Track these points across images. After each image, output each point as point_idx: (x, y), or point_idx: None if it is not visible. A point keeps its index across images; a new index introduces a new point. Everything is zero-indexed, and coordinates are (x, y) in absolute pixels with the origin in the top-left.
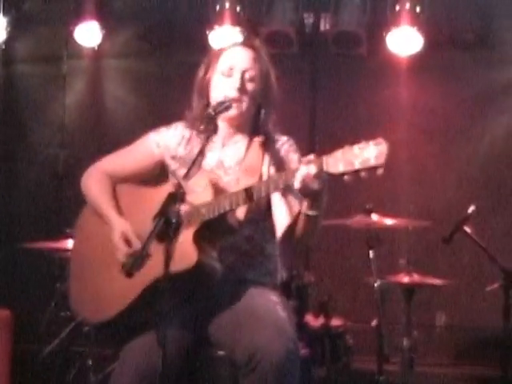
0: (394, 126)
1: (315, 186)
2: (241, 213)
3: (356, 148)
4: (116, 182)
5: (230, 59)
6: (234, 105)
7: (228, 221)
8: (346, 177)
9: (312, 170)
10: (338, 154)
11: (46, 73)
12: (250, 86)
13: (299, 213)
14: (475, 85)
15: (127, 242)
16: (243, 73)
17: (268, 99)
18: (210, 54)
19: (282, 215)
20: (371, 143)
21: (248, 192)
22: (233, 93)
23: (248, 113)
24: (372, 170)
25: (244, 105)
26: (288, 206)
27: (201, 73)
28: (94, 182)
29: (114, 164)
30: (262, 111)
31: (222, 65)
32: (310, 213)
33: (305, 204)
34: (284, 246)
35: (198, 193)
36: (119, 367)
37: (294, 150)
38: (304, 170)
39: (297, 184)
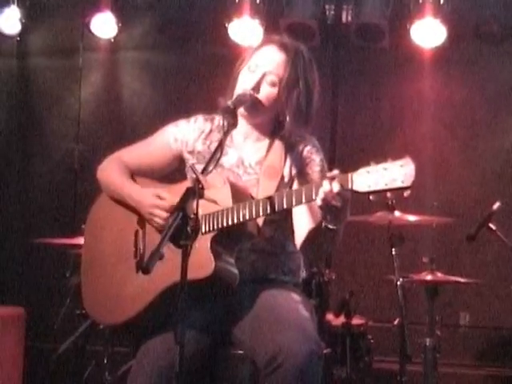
0: (417, 120)
1: (338, 203)
2: (260, 219)
3: (381, 167)
4: (133, 173)
5: (259, 57)
6: (250, 101)
7: (247, 228)
8: (371, 196)
9: (336, 187)
10: (364, 172)
11: (62, 66)
12: (267, 89)
13: (320, 223)
14: (500, 78)
15: (160, 198)
16: (264, 74)
17: (292, 107)
18: (249, 48)
19: (303, 221)
20: (398, 163)
21: (270, 203)
22: (247, 89)
23: (265, 114)
24: (398, 191)
25: (258, 105)
26: (310, 212)
27: (238, 62)
28: (112, 168)
29: (130, 156)
30: (286, 117)
31: (251, 60)
32: (330, 226)
33: (326, 217)
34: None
35: (217, 190)
36: (137, 366)
37: (317, 152)
38: (327, 186)
39: (319, 201)
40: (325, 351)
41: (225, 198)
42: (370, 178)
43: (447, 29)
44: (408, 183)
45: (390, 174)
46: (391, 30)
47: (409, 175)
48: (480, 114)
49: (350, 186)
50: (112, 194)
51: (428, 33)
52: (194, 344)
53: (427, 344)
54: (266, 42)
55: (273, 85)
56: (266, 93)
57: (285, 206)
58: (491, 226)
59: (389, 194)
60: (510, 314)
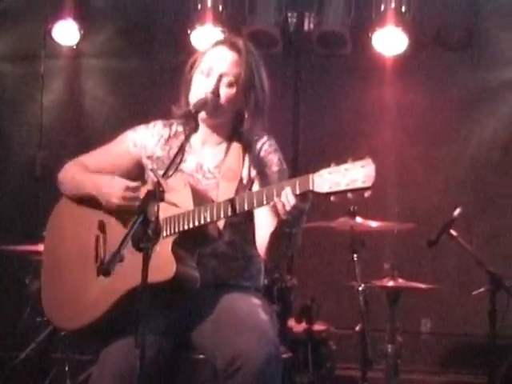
0: (378, 127)
1: (299, 204)
2: (221, 222)
3: (342, 168)
4: None
5: (212, 59)
6: (211, 105)
7: (208, 231)
8: (332, 197)
9: (297, 189)
10: (325, 173)
11: (24, 72)
12: (225, 91)
13: (279, 226)
14: (461, 86)
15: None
16: (220, 77)
17: (250, 104)
18: (198, 52)
19: (265, 224)
20: (358, 164)
21: (231, 205)
22: (205, 96)
23: (225, 116)
24: (359, 191)
25: (219, 108)
26: (272, 215)
27: (187, 67)
28: (75, 169)
29: (90, 161)
30: (244, 116)
31: (203, 63)
32: (288, 230)
33: (284, 220)
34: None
35: (177, 193)
36: (97, 370)
37: (274, 151)
38: (289, 189)
39: (279, 204)
40: (286, 355)
41: (186, 201)
42: (330, 179)
43: (409, 37)
44: (369, 183)
45: (350, 175)
46: (353, 38)
47: (369, 175)
48: (442, 120)
49: (310, 187)
50: (75, 192)
51: (390, 41)
52: (154, 348)
53: (389, 350)
54: (214, 44)
55: (230, 85)
56: (225, 94)
57: (246, 208)
58: (452, 232)
59: (350, 195)
60: (470, 320)
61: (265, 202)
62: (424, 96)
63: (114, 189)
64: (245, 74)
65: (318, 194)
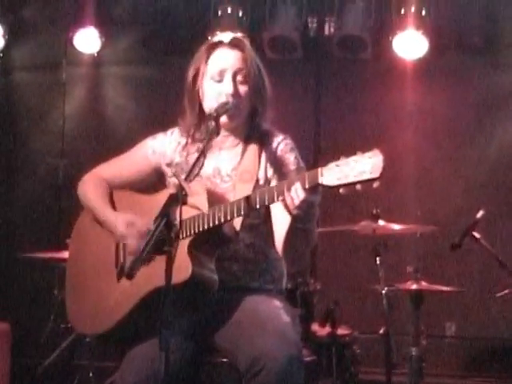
0: (399, 131)
1: (308, 198)
2: (237, 221)
3: (351, 160)
4: (113, 188)
5: (219, 62)
6: (234, 106)
7: (223, 231)
8: (341, 190)
9: (306, 183)
10: (333, 165)
11: (45, 81)
12: (242, 89)
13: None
14: (482, 89)
15: (132, 226)
16: (234, 75)
17: (262, 98)
18: (196, 57)
19: (281, 223)
20: (367, 155)
21: (243, 202)
22: (226, 99)
23: (243, 115)
24: (368, 182)
25: (241, 108)
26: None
27: (189, 78)
28: (91, 186)
29: (110, 170)
30: (258, 111)
31: (211, 69)
32: (301, 226)
33: (295, 216)
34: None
35: (195, 198)
36: (121, 374)
37: (290, 150)
38: (298, 184)
39: (288, 198)
40: (309, 359)
41: (201, 205)
42: (339, 172)
43: (429, 40)
44: (376, 174)
45: (359, 167)
46: (373, 42)
47: (377, 166)
48: (463, 123)
49: (319, 181)
50: (90, 211)
51: (410, 44)
52: (177, 351)
53: (413, 354)
54: (211, 48)
55: (245, 82)
56: (244, 92)
57: (258, 205)
58: (475, 234)
59: (358, 187)
60: (495, 323)
61: (276, 198)
62: (444, 99)
63: (116, 226)
64: (252, 68)
65: (328, 187)
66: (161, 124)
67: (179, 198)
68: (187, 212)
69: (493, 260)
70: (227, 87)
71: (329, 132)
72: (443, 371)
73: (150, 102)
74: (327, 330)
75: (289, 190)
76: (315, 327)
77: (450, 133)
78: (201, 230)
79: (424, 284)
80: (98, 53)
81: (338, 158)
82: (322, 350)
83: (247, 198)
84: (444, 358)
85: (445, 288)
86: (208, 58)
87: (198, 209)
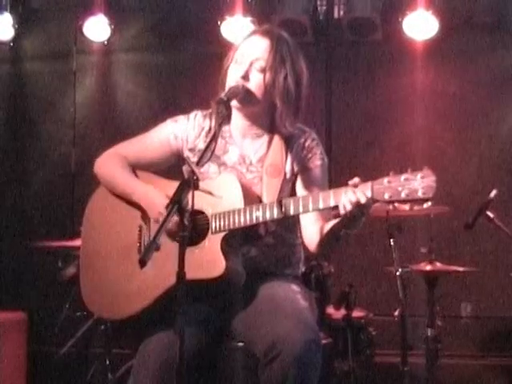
0: (411, 111)
1: (359, 211)
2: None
3: (403, 177)
4: (133, 167)
5: (245, 47)
6: (242, 91)
7: (257, 229)
8: (391, 206)
9: (355, 197)
10: (384, 181)
11: (56, 70)
12: (256, 76)
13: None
14: (493, 68)
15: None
16: (251, 62)
17: (280, 92)
18: (234, 44)
19: (313, 220)
20: (419, 175)
21: (284, 207)
22: (238, 80)
23: (259, 105)
24: (419, 201)
25: (250, 94)
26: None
27: (224, 64)
28: (113, 163)
29: (129, 150)
30: (278, 105)
31: (237, 53)
32: (349, 231)
33: (345, 223)
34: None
35: (226, 190)
36: (139, 360)
37: (317, 145)
38: (351, 195)
39: (341, 209)
40: (325, 341)
41: (235, 199)
42: (389, 188)
43: (439, 20)
44: (429, 195)
45: (410, 185)
46: (383, 24)
47: (429, 187)
48: (474, 103)
49: (369, 195)
50: (114, 190)
51: (420, 25)
52: (194, 336)
53: (428, 334)
54: (249, 34)
55: (262, 71)
56: (256, 80)
57: (301, 211)
58: (489, 214)
59: (407, 204)
60: (510, 302)
61: (321, 207)
62: (456, 80)
63: (157, 198)
64: (274, 58)
65: (378, 202)
66: (172, 109)
67: (191, 183)
68: (215, 204)
69: (507, 239)
70: (241, 70)
71: (340, 115)
72: (459, 352)
73: (161, 88)
74: (342, 312)
75: (337, 201)
76: (330, 310)
77: (461, 113)
78: (237, 227)
79: (438, 265)
80: (107, 40)
81: (388, 174)
82: (337, 333)
83: (287, 203)
84: (460, 339)
85: (459, 268)
86: (241, 42)
87: (211, 194)
